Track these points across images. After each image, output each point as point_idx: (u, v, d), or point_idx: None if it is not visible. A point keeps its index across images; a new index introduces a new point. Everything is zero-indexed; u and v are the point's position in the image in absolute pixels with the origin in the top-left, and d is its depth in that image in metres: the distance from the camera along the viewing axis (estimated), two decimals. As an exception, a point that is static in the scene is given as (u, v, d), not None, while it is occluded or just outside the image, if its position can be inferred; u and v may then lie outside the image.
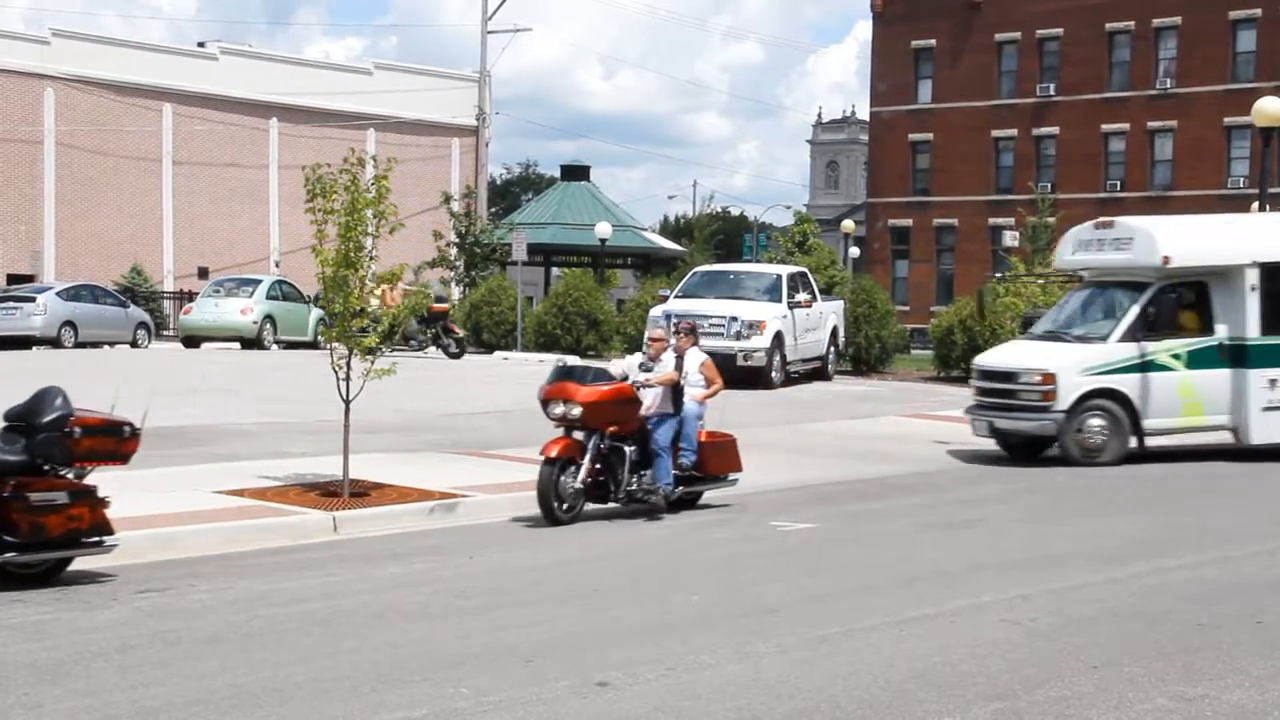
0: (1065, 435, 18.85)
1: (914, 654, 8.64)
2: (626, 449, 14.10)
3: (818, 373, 32.62)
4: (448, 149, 60.71)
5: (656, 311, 30.71)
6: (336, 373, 14.16)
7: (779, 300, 30.58)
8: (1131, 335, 19.07)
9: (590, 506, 13.97)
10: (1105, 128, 61.87)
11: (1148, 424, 19.01)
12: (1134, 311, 19.22)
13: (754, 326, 29.34)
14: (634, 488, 14.13)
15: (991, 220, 63.87)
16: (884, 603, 10.12)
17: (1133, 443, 18.99)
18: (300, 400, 22.28)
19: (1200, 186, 58.77)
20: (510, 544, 12.67)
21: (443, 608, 9.93)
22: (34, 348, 34.56)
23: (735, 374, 29.32)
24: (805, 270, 34.89)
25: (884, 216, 68.78)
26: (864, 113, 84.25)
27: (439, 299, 35.23)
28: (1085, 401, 18.81)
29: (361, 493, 14.05)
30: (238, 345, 37.08)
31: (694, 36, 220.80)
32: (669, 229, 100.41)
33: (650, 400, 14.42)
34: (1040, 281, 30.57)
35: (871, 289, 37.56)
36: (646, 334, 14.24)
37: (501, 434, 20.07)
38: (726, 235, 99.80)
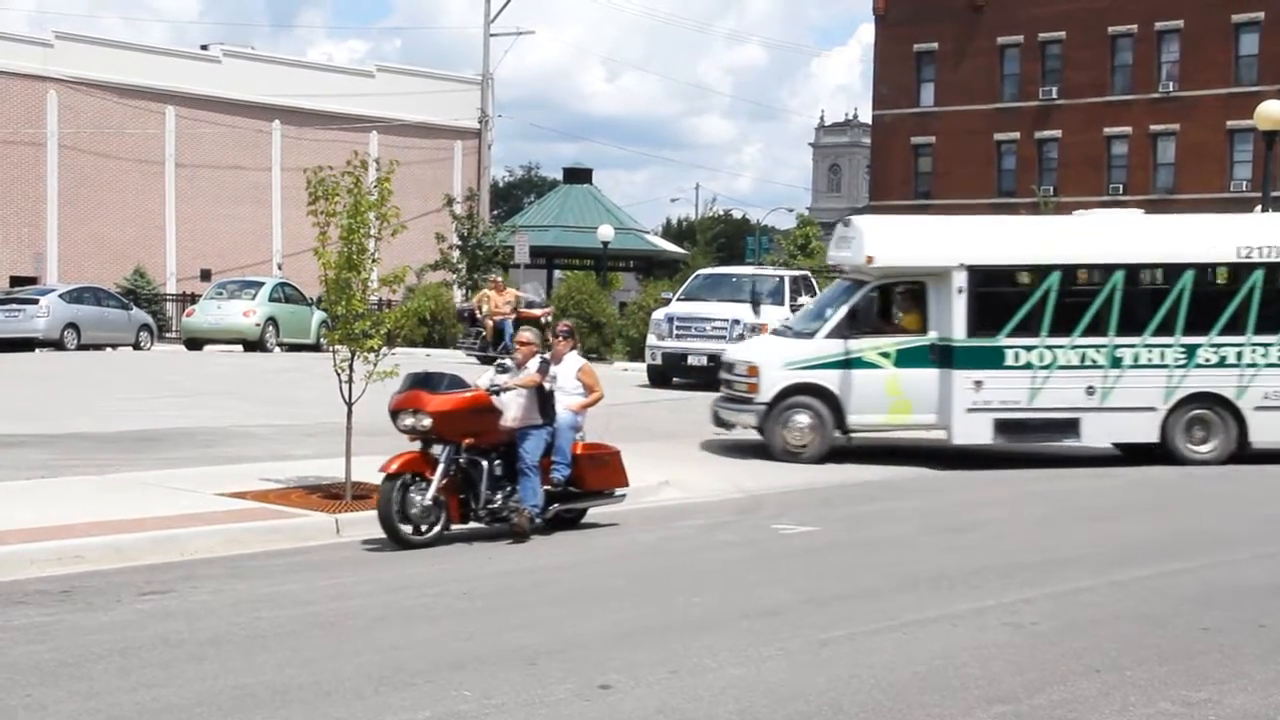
0: (768, 427, 19.22)
1: (916, 657, 8.63)
2: (484, 463, 12.82)
3: (820, 375, 32.56)
4: (450, 151, 60.75)
5: (659, 314, 30.75)
6: (339, 375, 14.16)
7: (782, 303, 30.58)
8: (839, 332, 19.33)
9: (455, 527, 12.81)
10: (1107, 131, 61.86)
11: (852, 420, 19.27)
12: (844, 309, 19.59)
13: (756, 330, 29.33)
14: (497, 505, 12.83)
15: (994, 223, 63.82)
16: (886, 606, 10.12)
17: (839, 437, 19.38)
18: (302, 402, 22.30)
19: (1203, 190, 58.75)
20: (513, 546, 12.66)
21: (446, 610, 9.93)
22: (36, 350, 34.58)
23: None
24: (808, 273, 34.90)
25: (886, 219, 68.73)
26: (866, 116, 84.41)
27: (529, 304, 33.99)
28: (789, 395, 19.11)
29: (364, 495, 14.03)
30: (240, 348, 37.09)
31: (697, 39, 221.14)
32: (671, 232, 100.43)
33: (516, 410, 13.12)
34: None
35: (874, 291, 37.46)
36: (515, 337, 13.60)
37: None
38: (729, 238, 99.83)
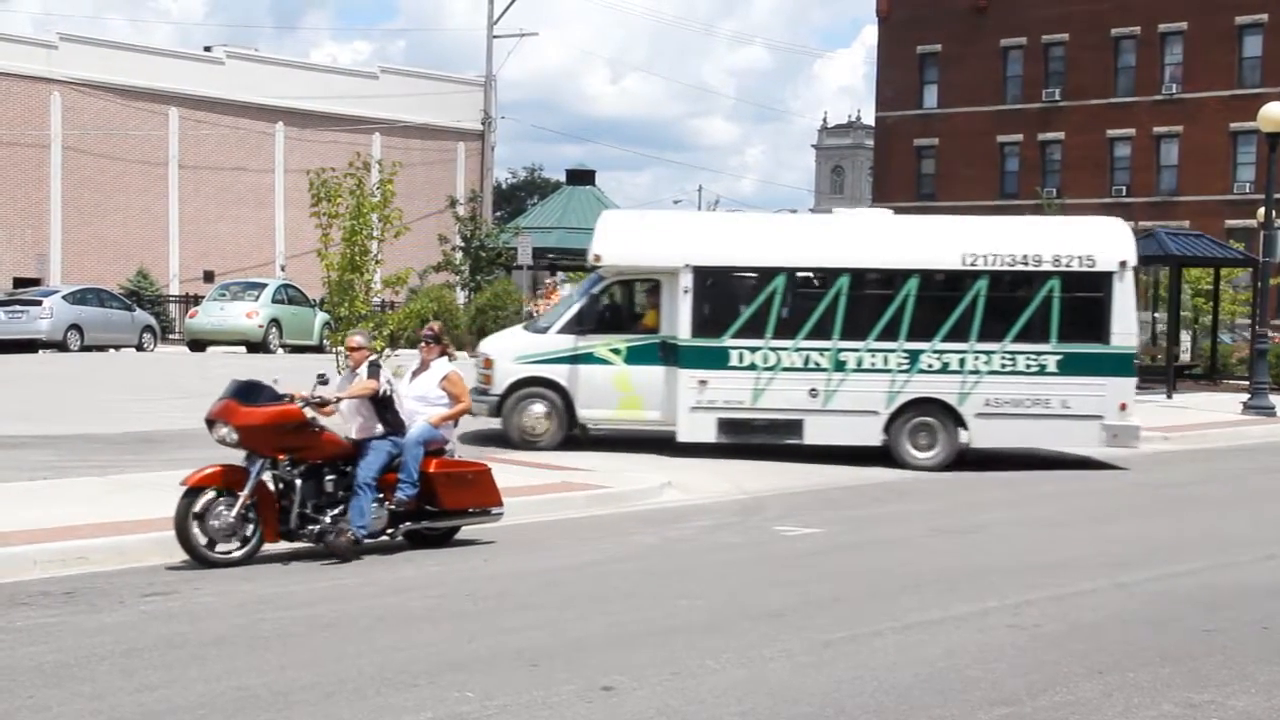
0: (505, 417, 19.48)
1: (919, 659, 8.63)
2: (298, 481, 11.76)
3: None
4: (453, 153, 60.78)
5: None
6: (341, 376, 14.15)
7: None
8: (571, 328, 19.54)
9: (284, 545, 11.93)
10: (1111, 133, 61.86)
11: (582, 413, 19.53)
12: (577, 306, 19.88)
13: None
14: (322, 525, 11.80)
15: (997, 225, 63.82)
16: (889, 607, 10.11)
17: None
18: (306, 404, 22.28)
19: (1206, 192, 58.77)
20: (515, 548, 12.66)
21: (448, 611, 9.93)
22: (40, 351, 34.61)
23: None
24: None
25: (889, 221, 68.72)
26: (869, 117, 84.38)
27: None
28: (523, 388, 19.34)
29: (367, 496, 14.02)
30: (243, 349, 37.10)
31: (701, 41, 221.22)
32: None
33: (353, 421, 12.17)
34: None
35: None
36: (344, 342, 12.59)
37: (503, 437, 20.09)
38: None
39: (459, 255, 46.87)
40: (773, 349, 19.15)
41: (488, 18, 55.81)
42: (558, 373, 19.39)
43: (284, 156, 55.70)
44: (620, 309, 20.29)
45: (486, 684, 7.93)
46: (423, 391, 12.62)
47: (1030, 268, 19.22)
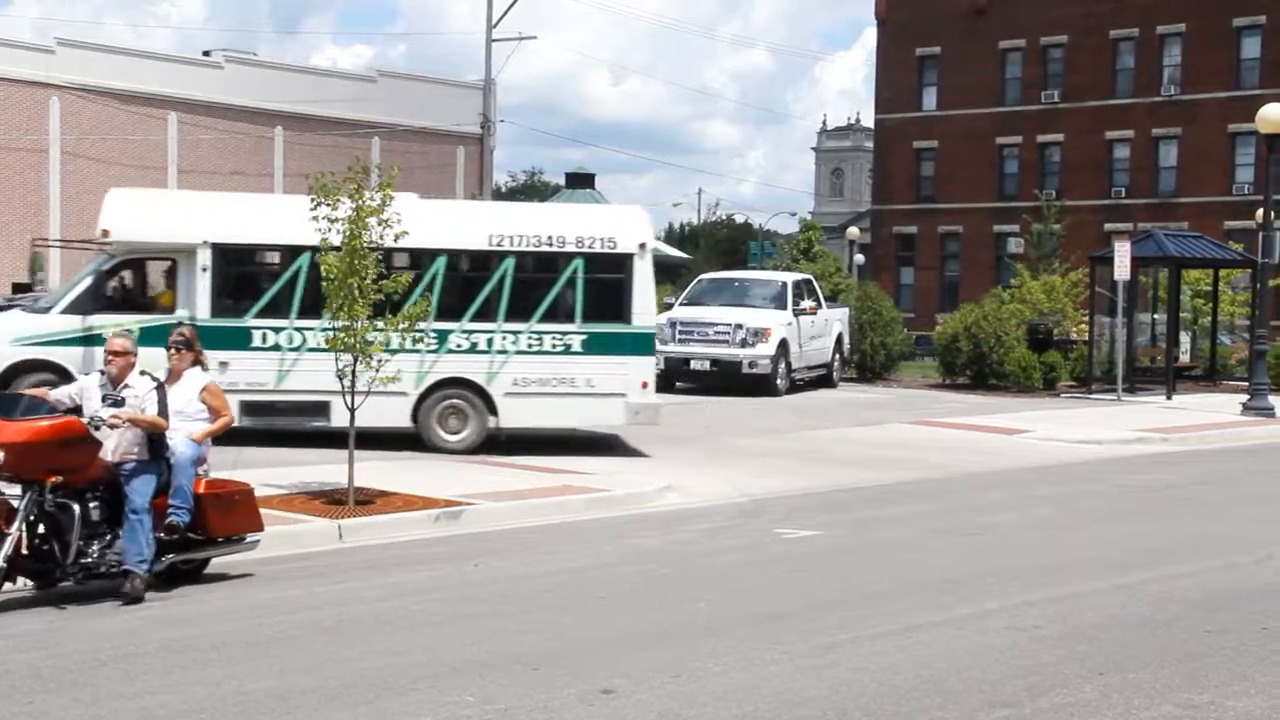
0: None
1: (920, 661, 8.63)
2: (76, 507, 10.17)
3: (823, 380, 32.68)
4: (453, 157, 60.79)
5: (662, 319, 30.76)
6: (341, 380, 14.19)
7: (784, 307, 30.63)
8: (78, 308, 18.92)
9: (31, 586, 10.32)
10: (1110, 134, 61.87)
11: None
12: (83, 284, 19.26)
13: (759, 334, 29.40)
14: (91, 560, 10.29)
15: (996, 227, 63.91)
16: (890, 610, 10.11)
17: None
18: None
19: (1205, 193, 58.77)
20: (515, 552, 12.66)
21: (448, 615, 9.93)
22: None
23: (740, 381, 29.45)
24: (810, 277, 34.95)
25: (889, 223, 68.81)
26: (869, 120, 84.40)
27: None
28: (25, 372, 18.42)
29: (367, 500, 14.07)
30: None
31: (702, 44, 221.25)
32: (674, 237, 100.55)
33: (116, 441, 10.57)
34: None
35: (877, 296, 37.60)
36: (106, 345, 11.16)
37: (506, 441, 20.10)
38: (731, 242, 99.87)
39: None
40: (298, 329, 18.74)
41: (487, 21, 55.85)
42: (64, 356, 18.44)
43: (283, 160, 55.71)
44: (133, 288, 19.52)
45: (487, 687, 7.93)
46: (179, 405, 11.16)
47: (554, 248, 19.31)
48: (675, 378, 29.97)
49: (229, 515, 11.17)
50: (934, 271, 67.10)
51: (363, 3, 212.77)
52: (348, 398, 14.56)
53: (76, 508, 10.16)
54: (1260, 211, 27.87)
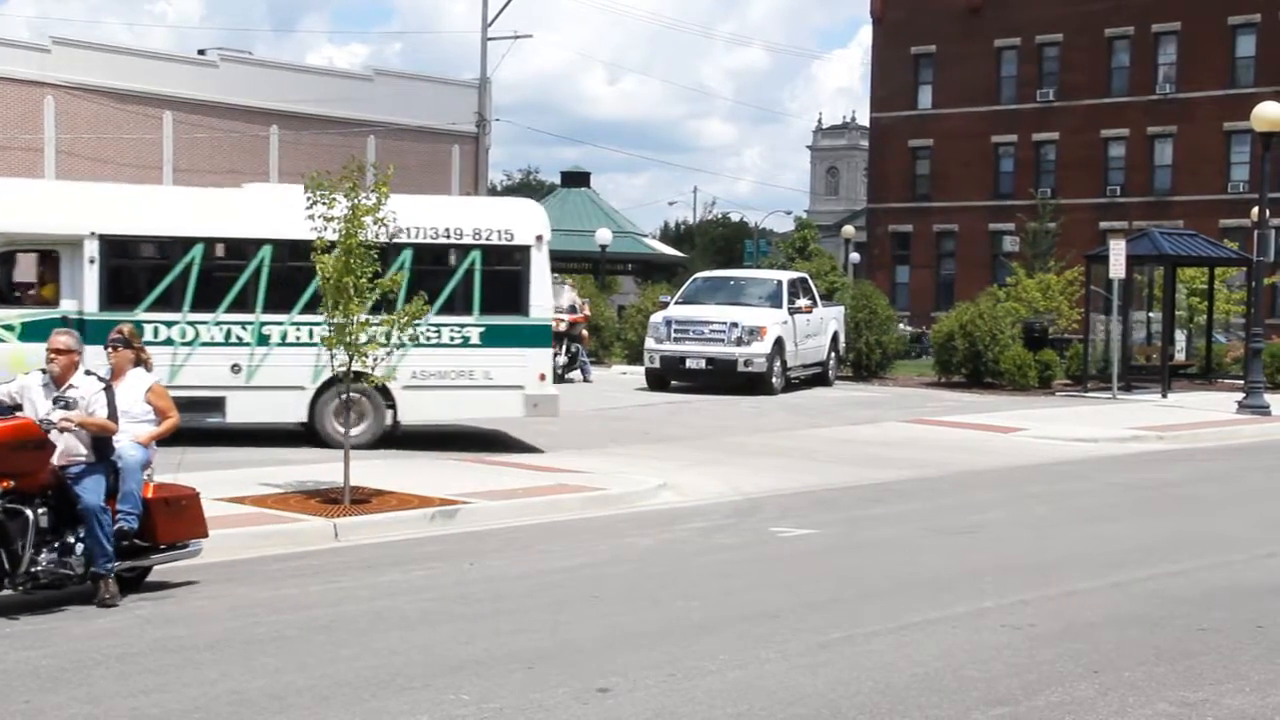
0: None
1: (915, 659, 8.64)
2: (29, 513, 9.73)
3: (818, 378, 32.70)
4: (448, 155, 60.75)
5: (657, 318, 30.80)
6: (337, 379, 14.17)
7: (780, 306, 30.63)
8: None
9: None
10: (1105, 133, 61.92)
11: None
12: None
13: (754, 332, 29.40)
14: (41, 568, 9.81)
15: (992, 225, 63.96)
16: (885, 608, 10.12)
17: None
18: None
19: (1201, 191, 58.83)
20: (511, 551, 12.66)
21: (444, 614, 9.93)
22: None
23: (736, 380, 29.46)
24: (806, 276, 34.97)
25: (884, 222, 68.85)
26: (864, 118, 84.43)
27: (570, 308, 32.96)
28: None
29: (362, 499, 14.07)
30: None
31: (699, 43, 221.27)
32: (670, 235, 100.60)
33: (63, 444, 10.13)
34: None
35: (872, 294, 37.62)
36: (49, 344, 10.52)
37: (501, 440, 20.11)
38: (727, 241, 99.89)
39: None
40: (190, 323, 18.43)
41: (482, 20, 55.84)
42: None
43: (278, 159, 55.66)
44: (10, 281, 18.99)
45: (482, 686, 7.93)
46: (124, 406, 10.67)
47: (452, 241, 19.31)
48: (671, 376, 29.99)
49: (176, 521, 10.76)
50: (929, 270, 67.14)
51: (358, 2, 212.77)
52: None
53: (29, 514, 9.72)
54: (1255, 209, 27.90)
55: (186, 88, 53.64)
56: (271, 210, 19.27)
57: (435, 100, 59.27)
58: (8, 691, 7.79)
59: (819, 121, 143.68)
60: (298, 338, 18.70)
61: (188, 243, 18.57)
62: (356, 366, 14.22)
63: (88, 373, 10.51)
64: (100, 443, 10.25)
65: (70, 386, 10.24)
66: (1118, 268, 29.46)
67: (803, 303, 31.33)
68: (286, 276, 18.79)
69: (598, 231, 51.19)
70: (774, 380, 29.56)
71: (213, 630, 9.31)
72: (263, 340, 18.71)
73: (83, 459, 10.16)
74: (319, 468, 15.99)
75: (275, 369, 18.68)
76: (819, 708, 7.62)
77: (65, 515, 10.02)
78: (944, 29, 65.21)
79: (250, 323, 18.68)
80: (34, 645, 8.86)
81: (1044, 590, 10.81)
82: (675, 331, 29.86)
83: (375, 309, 17.24)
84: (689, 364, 29.66)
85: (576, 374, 31.98)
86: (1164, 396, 29.86)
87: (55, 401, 10.06)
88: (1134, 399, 29.87)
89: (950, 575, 11.48)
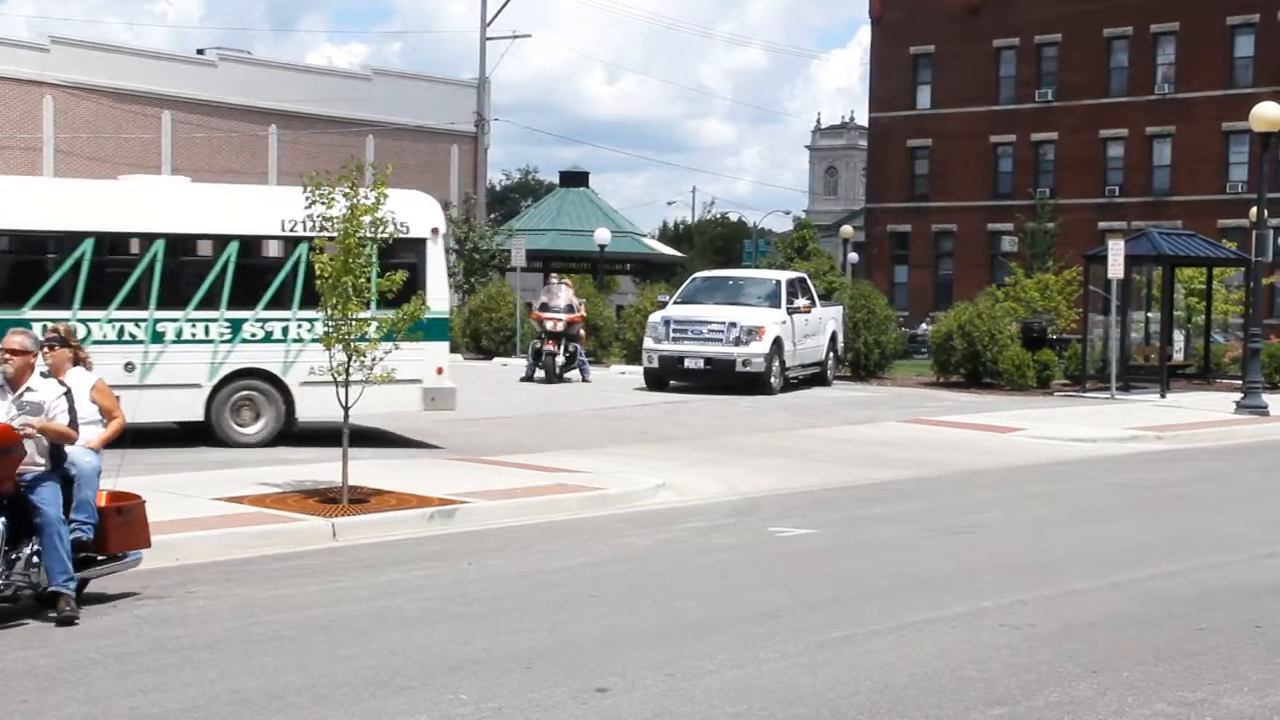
0: None
1: (914, 659, 8.64)
2: None
3: (817, 378, 32.69)
4: (447, 155, 60.77)
5: (656, 317, 30.78)
6: (335, 379, 14.19)
7: (778, 306, 30.62)
8: None
9: None
10: (1104, 133, 61.92)
11: None
12: None
13: (753, 332, 29.39)
14: (4, 581, 9.33)
15: (990, 225, 63.97)
16: (883, 608, 10.12)
17: None
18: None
19: (1200, 191, 58.85)
20: (509, 550, 12.66)
21: (442, 614, 9.93)
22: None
23: (734, 380, 29.46)
24: (804, 276, 34.95)
25: (883, 222, 68.85)
26: (863, 118, 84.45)
27: (568, 307, 32.47)
28: None
29: (361, 499, 14.06)
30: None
31: (697, 42, 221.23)
32: (668, 235, 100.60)
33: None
34: None
35: (870, 294, 37.60)
36: (2, 344, 9.99)
37: (501, 440, 20.11)
38: (726, 241, 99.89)
39: (453, 258, 46.90)
40: (81, 320, 17.70)
41: (481, 19, 55.85)
42: None
43: (277, 159, 55.68)
44: None
45: (481, 686, 7.93)
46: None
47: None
48: (669, 376, 29.97)
49: (127, 530, 10.22)
50: (928, 270, 67.14)
51: (357, 1, 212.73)
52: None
53: None
54: (1254, 210, 27.89)
55: (186, 87, 53.66)
56: (166, 203, 18.97)
57: (434, 100, 59.29)
58: (6, 691, 7.79)
59: (818, 121, 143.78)
60: (193, 335, 18.41)
61: (77, 237, 18.03)
62: (355, 367, 14.17)
63: (44, 374, 10.10)
64: (55, 449, 9.73)
65: (29, 390, 9.80)
66: (1116, 268, 29.46)
67: (801, 303, 31.31)
68: (181, 271, 18.56)
69: (596, 231, 51.17)
70: (772, 380, 29.55)
71: (211, 630, 9.30)
72: (157, 338, 18.34)
73: (42, 467, 9.63)
74: (317, 467, 15.98)
75: (170, 367, 18.36)
76: (818, 707, 7.62)
77: (18, 527, 9.45)
78: (943, 29, 65.22)
79: (144, 320, 18.28)
80: (32, 645, 8.86)
81: (1043, 590, 10.81)
82: (674, 331, 29.85)
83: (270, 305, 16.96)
84: (687, 364, 29.65)
85: (575, 374, 31.96)
86: (1162, 396, 29.86)
87: (21, 407, 9.62)
88: (1132, 399, 29.87)
89: (949, 575, 11.48)
